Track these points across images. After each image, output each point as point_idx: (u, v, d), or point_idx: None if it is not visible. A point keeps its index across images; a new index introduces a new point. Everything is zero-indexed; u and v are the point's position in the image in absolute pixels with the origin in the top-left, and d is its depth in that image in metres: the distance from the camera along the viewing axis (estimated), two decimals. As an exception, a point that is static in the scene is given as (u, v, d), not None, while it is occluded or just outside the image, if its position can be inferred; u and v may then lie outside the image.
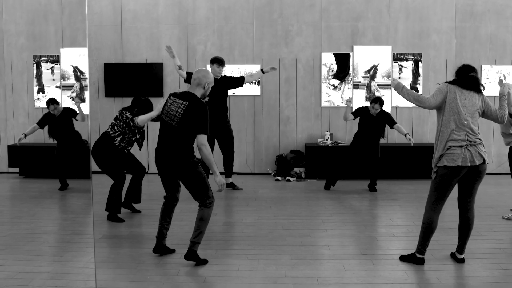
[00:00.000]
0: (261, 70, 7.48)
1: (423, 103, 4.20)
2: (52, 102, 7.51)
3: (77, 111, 7.53)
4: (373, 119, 7.32)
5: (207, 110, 4.20)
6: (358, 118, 7.50)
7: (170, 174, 4.36)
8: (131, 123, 5.71)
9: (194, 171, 4.24)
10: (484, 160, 4.09)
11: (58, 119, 7.57)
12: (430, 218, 4.21)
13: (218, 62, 7.08)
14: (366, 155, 7.44)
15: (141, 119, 5.67)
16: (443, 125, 4.15)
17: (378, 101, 7.22)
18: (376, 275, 4.08)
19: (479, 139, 4.13)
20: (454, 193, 4.33)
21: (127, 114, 5.74)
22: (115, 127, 5.77)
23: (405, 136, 7.19)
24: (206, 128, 4.16)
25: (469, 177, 4.14)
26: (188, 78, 7.22)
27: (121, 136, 5.75)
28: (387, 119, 7.30)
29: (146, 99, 5.90)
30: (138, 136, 5.87)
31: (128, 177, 6.07)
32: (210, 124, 7.16)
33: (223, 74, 7.31)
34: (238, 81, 7.40)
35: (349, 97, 7.16)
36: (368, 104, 8.01)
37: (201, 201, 4.30)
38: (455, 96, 4.12)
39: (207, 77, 4.29)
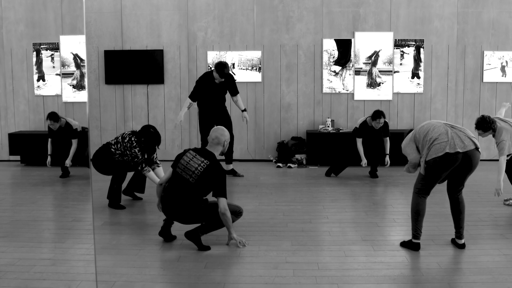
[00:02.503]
0: (245, 109, 7.59)
1: (413, 159, 4.31)
2: (49, 117, 7.34)
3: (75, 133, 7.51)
4: (374, 131, 7.28)
5: (225, 173, 4.42)
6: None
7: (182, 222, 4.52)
8: (139, 166, 5.71)
9: (205, 208, 4.40)
10: (476, 145, 4.08)
11: (56, 135, 7.53)
12: (415, 202, 4.27)
13: (220, 73, 7.07)
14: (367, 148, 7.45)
15: (148, 174, 5.70)
16: (426, 135, 4.17)
17: (382, 115, 7.08)
18: (376, 261, 4.09)
19: (463, 128, 4.19)
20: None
21: (136, 151, 5.66)
22: (118, 145, 5.75)
23: (386, 155, 7.37)
24: (226, 191, 4.33)
25: (461, 169, 4.14)
26: (193, 97, 7.28)
27: (121, 155, 5.77)
28: (385, 129, 7.32)
29: (155, 132, 5.75)
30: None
31: (130, 174, 6.13)
32: (209, 114, 7.27)
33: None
34: (233, 91, 7.46)
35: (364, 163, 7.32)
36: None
37: (234, 215, 4.51)
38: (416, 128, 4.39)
39: (224, 135, 4.46)
